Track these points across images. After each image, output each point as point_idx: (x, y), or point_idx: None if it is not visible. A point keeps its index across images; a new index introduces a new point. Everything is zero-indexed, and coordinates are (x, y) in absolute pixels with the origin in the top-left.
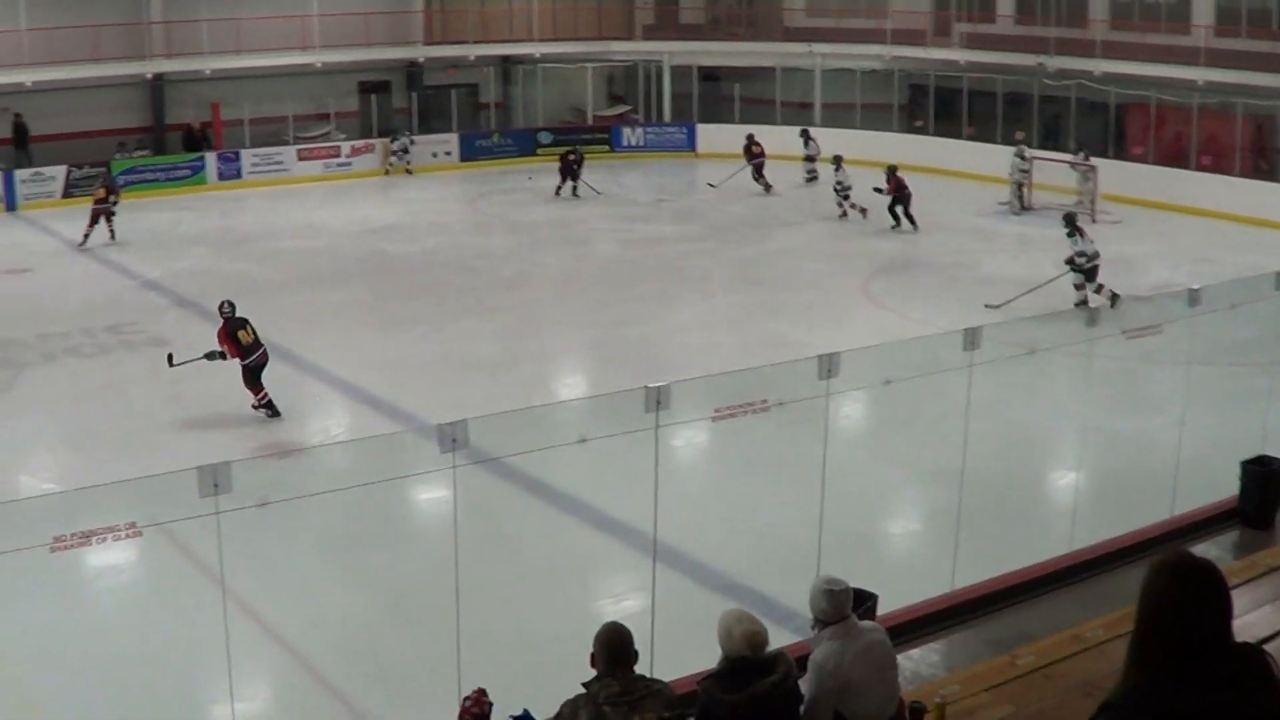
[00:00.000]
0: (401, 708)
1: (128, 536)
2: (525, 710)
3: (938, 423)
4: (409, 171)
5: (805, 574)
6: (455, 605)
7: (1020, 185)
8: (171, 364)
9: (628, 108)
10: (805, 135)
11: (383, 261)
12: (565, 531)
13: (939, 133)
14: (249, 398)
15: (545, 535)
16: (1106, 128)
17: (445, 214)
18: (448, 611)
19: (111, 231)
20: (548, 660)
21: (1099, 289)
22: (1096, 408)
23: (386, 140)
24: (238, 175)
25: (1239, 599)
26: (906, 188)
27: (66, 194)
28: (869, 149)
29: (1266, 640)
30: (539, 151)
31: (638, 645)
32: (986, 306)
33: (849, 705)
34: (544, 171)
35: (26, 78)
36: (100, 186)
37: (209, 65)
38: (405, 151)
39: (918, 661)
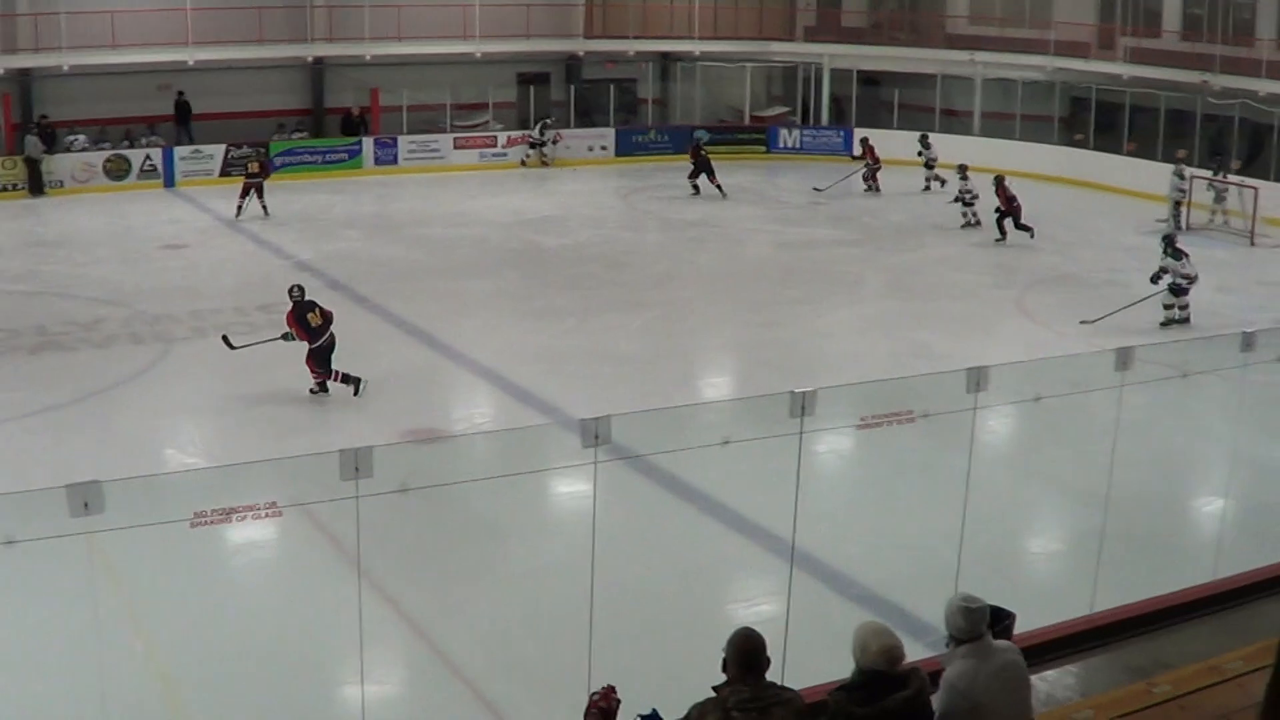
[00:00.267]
0: (529, 699)
1: (267, 515)
2: (654, 710)
3: (1085, 442)
4: (545, 164)
5: (943, 588)
6: (589, 600)
7: (1178, 204)
8: (231, 346)
9: (785, 109)
10: (924, 140)
11: (534, 253)
12: (703, 533)
13: (1099, 147)
14: (310, 377)
15: (683, 535)
16: (1270, 149)
17: (598, 208)
18: (581, 606)
19: (264, 206)
20: (679, 661)
21: (1184, 307)
22: (1248, 435)
23: (526, 132)
24: (394, 161)
25: None
26: (1015, 199)
27: (224, 173)
28: (1027, 161)
29: None
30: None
31: (770, 652)
32: (1082, 323)
33: None
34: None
35: (189, 56)
36: (253, 161)
37: (370, 51)
38: (543, 145)
39: (1052, 684)
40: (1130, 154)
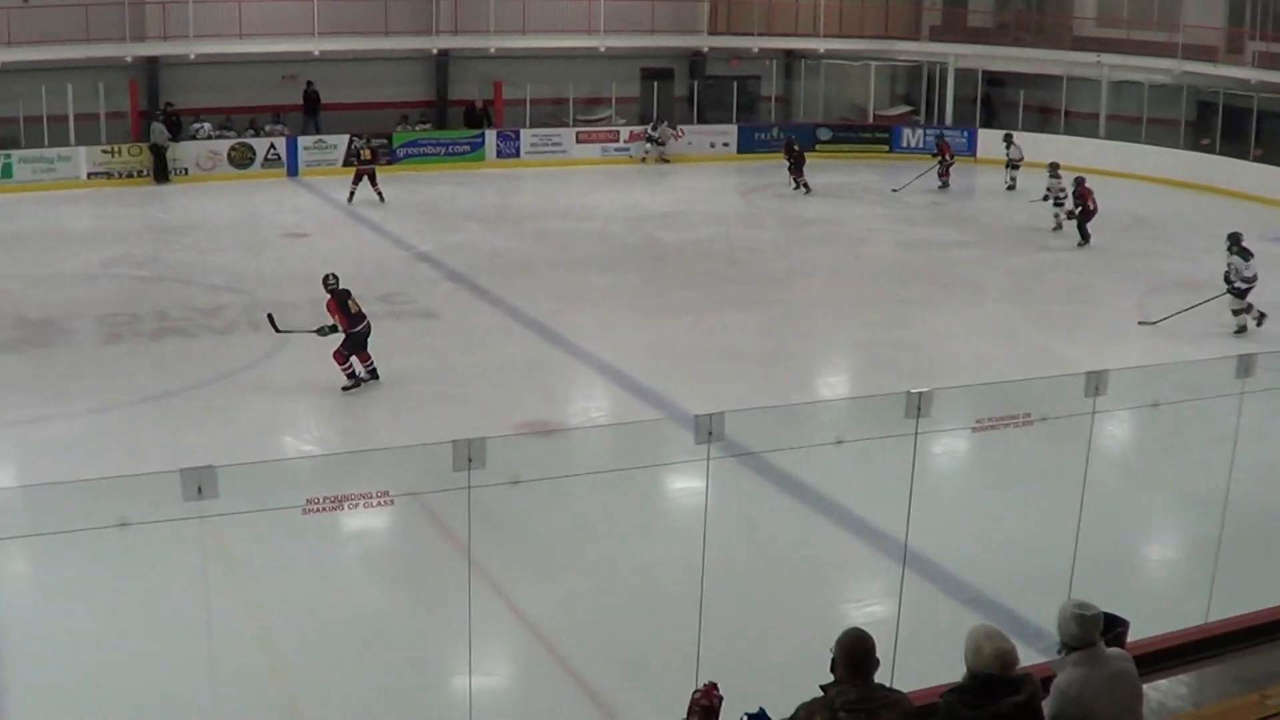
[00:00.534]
0: (635, 693)
1: (379, 504)
2: (761, 709)
3: (1204, 449)
4: (665, 160)
5: (1055, 593)
6: (699, 597)
7: None
8: (276, 328)
9: (909, 109)
10: (1008, 139)
11: (654, 248)
12: (815, 531)
13: (1225, 152)
14: (337, 368)
15: (795, 533)
16: None
17: (719, 205)
18: (691, 602)
19: (379, 192)
20: (787, 660)
21: (1248, 308)
22: None
23: (647, 126)
24: (516, 154)
25: None
26: (1093, 202)
27: (346, 163)
28: (1153, 165)
29: None
30: (817, 148)
31: (880, 653)
32: (1141, 324)
33: None
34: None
35: (315, 47)
36: (365, 148)
37: (494, 44)
38: (660, 142)
39: (1164, 693)
40: (1257, 159)
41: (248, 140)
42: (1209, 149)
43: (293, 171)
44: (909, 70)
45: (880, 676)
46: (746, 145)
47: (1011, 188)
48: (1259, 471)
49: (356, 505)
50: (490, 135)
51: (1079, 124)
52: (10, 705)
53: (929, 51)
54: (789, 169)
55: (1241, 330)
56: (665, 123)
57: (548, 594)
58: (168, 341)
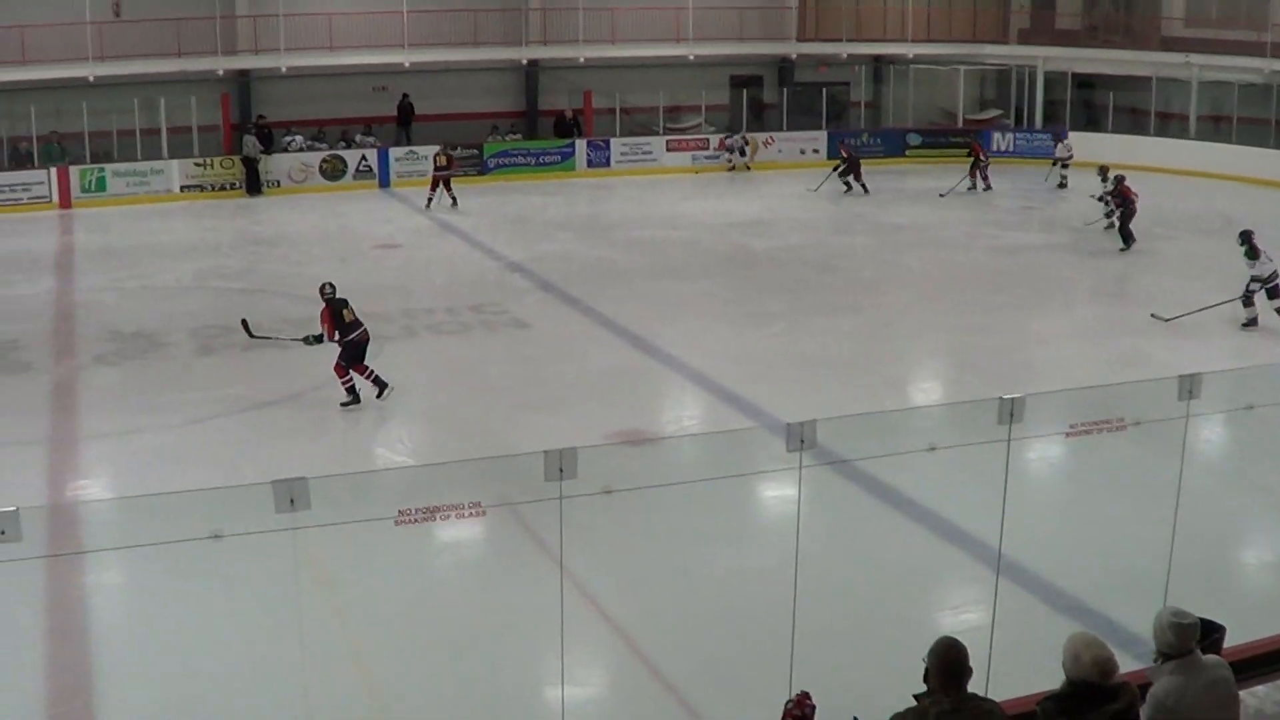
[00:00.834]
0: (728, 703)
1: (472, 515)
2: (855, 718)
3: None
4: (748, 168)
5: (1151, 600)
6: (792, 605)
7: None
8: (250, 334)
9: (998, 112)
10: (1058, 138)
11: (744, 256)
12: (908, 539)
13: None
14: (338, 380)
15: (887, 541)
16: None
17: (809, 211)
18: (783, 611)
19: (453, 197)
20: (880, 668)
21: (1248, 304)
22: None
23: (722, 137)
24: (606, 163)
25: None
26: (1134, 202)
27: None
28: (1243, 165)
29: None
30: (906, 153)
31: (974, 662)
32: (1153, 316)
33: None
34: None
35: (405, 59)
36: (441, 154)
37: (583, 53)
38: (740, 151)
39: (1262, 699)
40: None
41: (339, 152)
42: None
43: (384, 183)
44: (998, 74)
45: (974, 685)
46: (836, 152)
47: (1063, 185)
48: None
49: (449, 516)
50: (580, 145)
51: (1168, 125)
52: (104, 716)
53: (1017, 55)
54: (840, 174)
55: (1251, 324)
56: (739, 134)
57: (640, 603)
58: (260, 353)
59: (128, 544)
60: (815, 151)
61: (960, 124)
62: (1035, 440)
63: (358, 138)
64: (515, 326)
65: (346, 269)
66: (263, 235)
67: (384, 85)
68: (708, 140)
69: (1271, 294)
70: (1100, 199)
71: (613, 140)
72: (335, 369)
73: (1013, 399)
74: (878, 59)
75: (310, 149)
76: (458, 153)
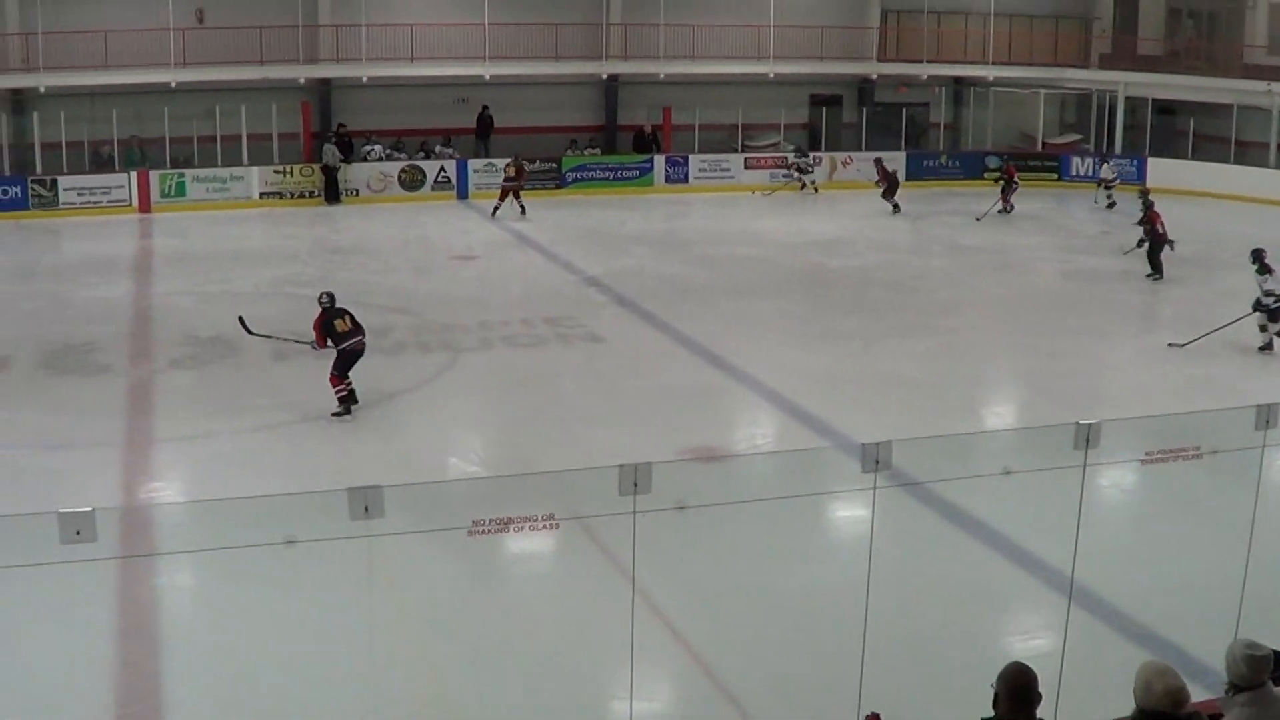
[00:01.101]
0: None
1: (545, 527)
2: None
3: None
4: (816, 189)
5: (1223, 630)
6: (863, 626)
7: None
8: (248, 330)
9: (1078, 137)
10: (1103, 159)
11: (820, 275)
12: (979, 562)
13: None
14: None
15: (958, 564)
16: None
17: (886, 232)
18: (854, 631)
19: (521, 207)
20: (949, 692)
21: (1264, 329)
22: None
23: (786, 156)
24: (684, 180)
25: None
26: (1157, 228)
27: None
28: None
29: None
30: (985, 175)
31: (1043, 687)
32: (1170, 345)
33: None
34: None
35: (485, 71)
36: (510, 165)
37: (664, 69)
38: (805, 171)
39: None
40: None
41: (418, 162)
42: None
43: (462, 194)
44: (1078, 98)
45: (1043, 711)
46: (915, 172)
47: (1112, 205)
48: None
49: (522, 528)
50: (659, 160)
51: (1248, 153)
52: (172, 717)
53: (1098, 79)
54: (883, 194)
55: (1267, 347)
56: (804, 153)
57: (709, 620)
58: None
59: (201, 547)
60: (893, 172)
61: (1040, 147)
62: (1109, 466)
63: (437, 149)
64: (590, 340)
65: (424, 279)
66: (340, 244)
67: (464, 97)
68: (786, 158)
69: (1273, 316)
70: (1139, 224)
71: (691, 157)
72: (330, 378)
73: (1089, 424)
74: (958, 80)
75: (389, 159)
76: (535, 165)
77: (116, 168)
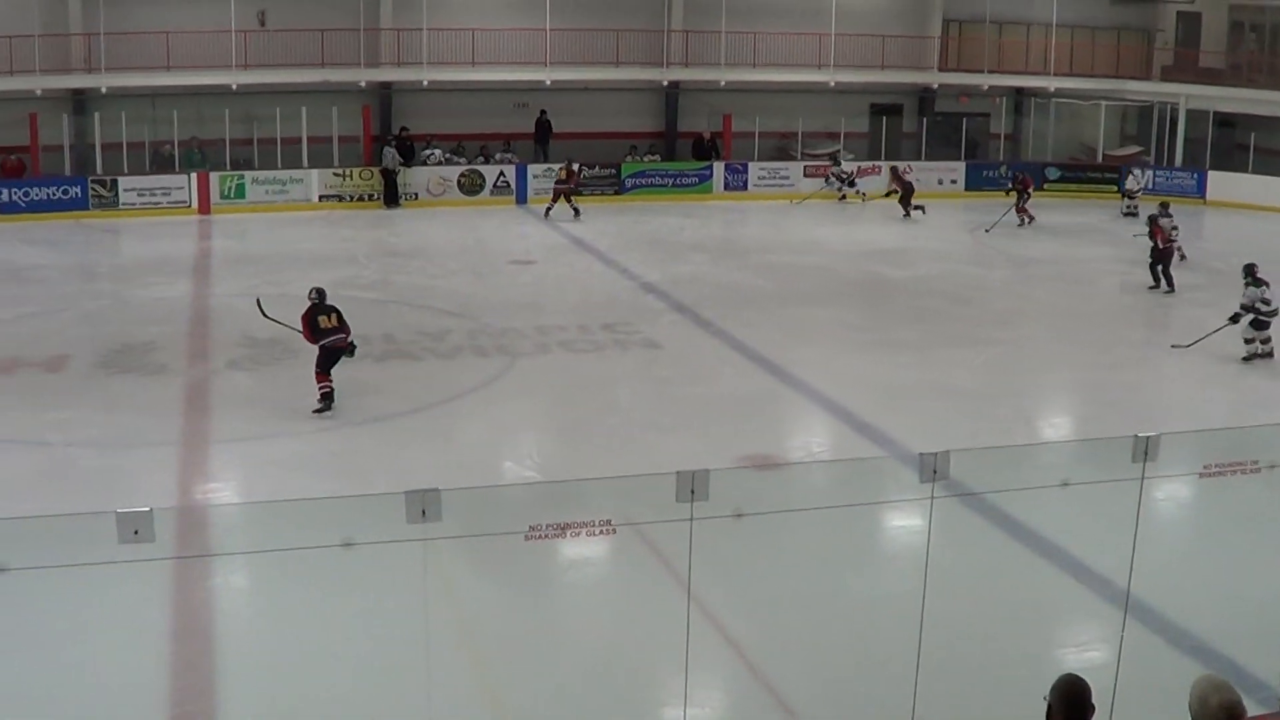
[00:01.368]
0: None
1: (602, 533)
2: None
3: None
4: (862, 197)
5: (1277, 645)
6: (918, 636)
7: None
8: (264, 313)
9: (1139, 149)
10: (1129, 170)
11: (878, 284)
12: (1034, 574)
13: None
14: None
15: (1014, 575)
16: None
17: (945, 242)
18: (909, 641)
19: (575, 209)
20: (1003, 703)
21: (1266, 340)
22: None
23: (826, 164)
24: (744, 187)
25: None
26: (1172, 241)
27: (575, 191)
28: None
29: None
30: (1045, 187)
31: (1097, 700)
32: (1173, 347)
33: None
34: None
35: (546, 76)
36: (564, 169)
37: (724, 76)
38: (848, 182)
39: None
40: None
41: (478, 167)
42: None
43: (521, 199)
44: (1139, 110)
45: None
46: (974, 183)
47: (1134, 214)
48: None
49: (579, 533)
50: (718, 167)
51: None
52: (225, 717)
53: (1160, 91)
54: (900, 199)
55: (1250, 358)
56: (837, 160)
57: (764, 628)
58: (393, 364)
59: (258, 548)
60: (953, 182)
61: (1100, 159)
62: (1167, 480)
63: (497, 154)
64: (647, 347)
65: (481, 283)
66: (399, 247)
67: (524, 102)
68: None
69: (1259, 325)
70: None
71: (750, 164)
72: (315, 374)
73: (1147, 437)
74: (1019, 91)
75: (449, 163)
76: (595, 171)
77: (177, 169)
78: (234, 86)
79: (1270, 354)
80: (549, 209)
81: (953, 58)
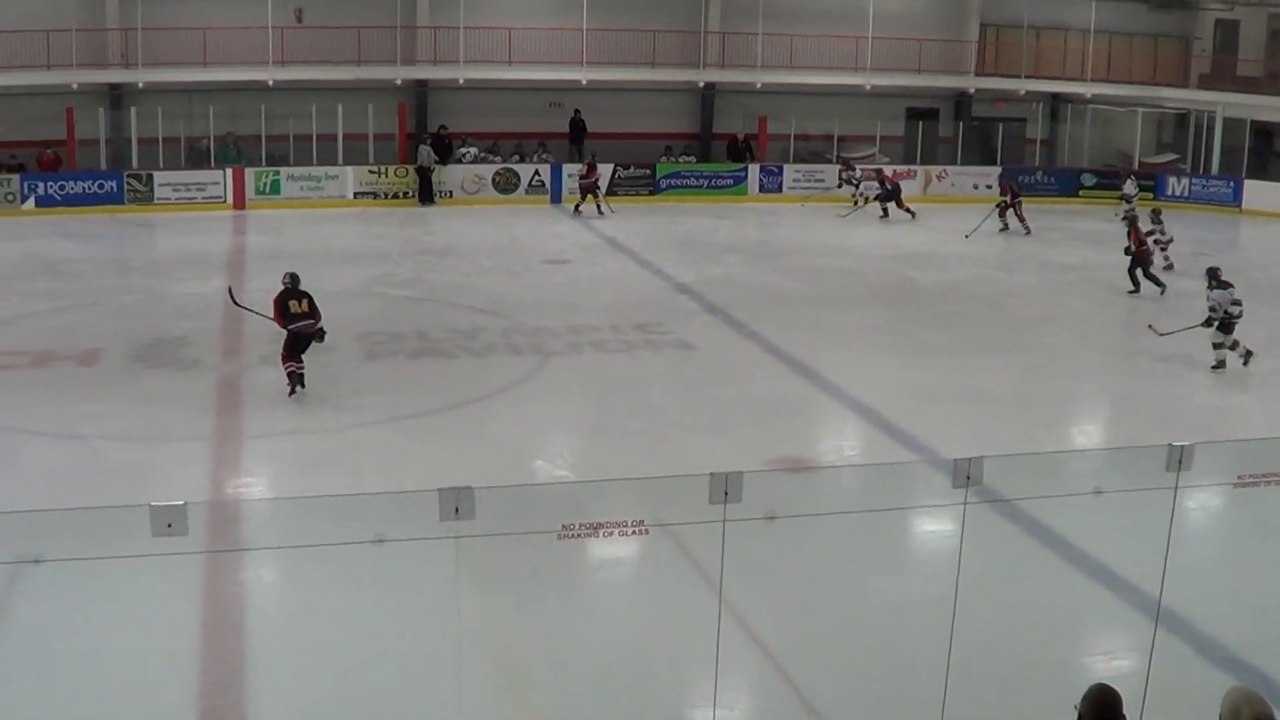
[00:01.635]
0: None
1: (634, 533)
2: None
3: None
4: (865, 200)
5: None
6: (948, 642)
7: None
8: (235, 301)
9: (1175, 156)
10: (1128, 175)
11: (909, 288)
12: (1065, 581)
13: None
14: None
15: (1044, 583)
16: None
17: (977, 247)
18: (939, 647)
19: (598, 206)
20: (1032, 710)
21: (1234, 344)
22: None
23: (840, 168)
24: (778, 189)
25: None
26: (1146, 244)
27: (610, 191)
28: None
29: None
30: (1080, 193)
31: (1127, 709)
32: (1150, 327)
33: None
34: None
35: (582, 76)
36: (584, 165)
37: (760, 78)
38: (855, 184)
39: None
40: None
41: (512, 165)
42: None
43: (556, 199)
44: (1176, 118)
45: None
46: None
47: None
48: None
49: (611, 533)
50: (753, 169)
51: None
52: (253, 713)
53: (1197, 99)
54: (880, 199)
55: (1220, 365)
56: (847, 164)
57: (795, 631)
58: (425, 362)
59: (289, 544)
60: (989, 187)
61: (1136, 166)
62: (1199, 490)
63: (533, 154)
64: (680, 348)
65: (515, 282)
66: (433, 245)
67: (559, 101)
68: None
69: (1226, 328)
70: (1156, 241)
71: (785, 166)
72: (281, 357)
73: (1182, 446)
74: (1055, 97)
75: (483, 161)
76: (630, 171)
77: (212, 164)
78: (270, 83)
79: (1249, 352)
80: (577, 206)
81: (990, 62)
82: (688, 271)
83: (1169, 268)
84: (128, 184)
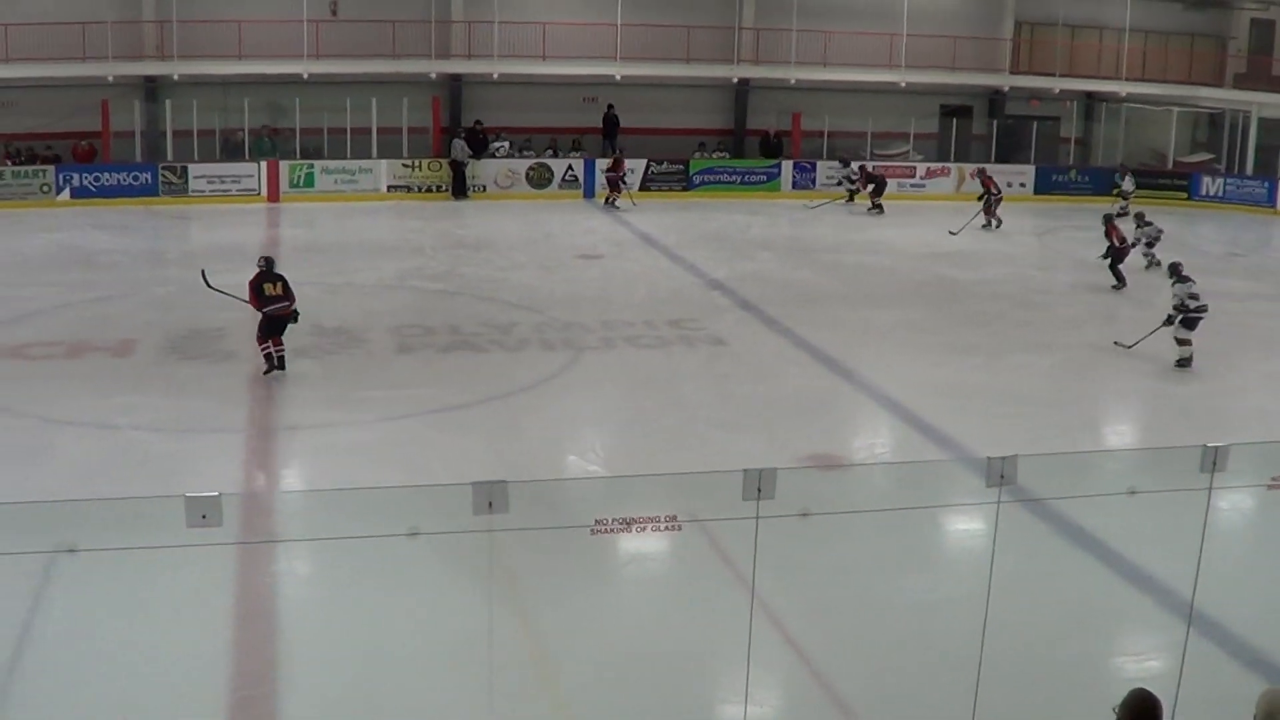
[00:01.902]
0: None
1: (666, 529)
2: None
3: None
4: (852, 198)
5: None
6: (980, 640)
7: None
8: (208, 284)
9: (1209, 156)
10: (1125, 171)
11: (943, 286)
12: (1097, 581)
13: None
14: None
15: (1076, 582)
16: None
17: (1012, 245)
18: (970, 645)
19: (612, 202)
20: (1062, 707)
21: (1187, 342)
22: None
23: (839, 165)
24: (812, 185)
25: None
26: (1126, 243)
27: (643, 187)
28: None
29: None
30: (1114, 192)
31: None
32: (1116, 344)
33: None
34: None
35: (616, 71)
36: (611, 159)
37: (795, 75)
38: (851, 181)
39: None
40: None
41: (546, 161)
42: None
43: (589, 193)
44: (1210, 117)
45: None
46: (1044, 186)
47: (1125, 215)
48: None
49: (644, 528)
50: (786, 166)
51: None
52: (285, 704)
53: (1232, 99)
54: (870, 193)
55: (1185, 362)
56: (846, 161)
57: (826, 628)
58: (458, 356)
59: (323, 535)
60: (1022, 186)
61: (1170, 166)
62: (1232, 491)
63: (566, 149)
64: (712, 343)
65: (548, 277)
66: (466, 238)
67: (593, 96)
68: (915, 169)
69: (1189, 324)
70: (1136, 243)
71: (819, 163)
72: (256, 337)
73: (1216, 447)
74: (1090, 95)
75: (517, 156)
76: (663, 167)
77: (246, 157)
78: (305, 76)
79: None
80: (608, 199)
81: (1024, 60)
82: (721, 267)
83: (1149, 266)
84: (162, 176)
